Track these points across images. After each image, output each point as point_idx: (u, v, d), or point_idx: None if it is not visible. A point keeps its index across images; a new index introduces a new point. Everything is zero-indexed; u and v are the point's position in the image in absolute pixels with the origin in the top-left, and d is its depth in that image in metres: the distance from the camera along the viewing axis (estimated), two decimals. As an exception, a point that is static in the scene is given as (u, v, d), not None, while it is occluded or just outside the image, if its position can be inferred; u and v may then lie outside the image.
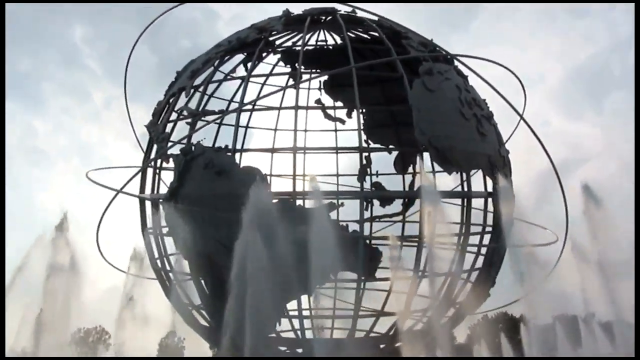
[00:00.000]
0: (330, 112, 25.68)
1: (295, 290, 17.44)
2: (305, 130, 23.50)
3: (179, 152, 18.38)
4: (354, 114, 25.94)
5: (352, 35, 21.22)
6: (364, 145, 24.29)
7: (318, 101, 25.50)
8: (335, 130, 26.47)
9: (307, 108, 23.18)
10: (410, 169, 25.34)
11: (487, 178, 19.06)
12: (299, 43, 22.06)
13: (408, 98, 18.10)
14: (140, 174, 20.93)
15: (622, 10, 77.16)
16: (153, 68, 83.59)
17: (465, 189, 19.69)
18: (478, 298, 20.29)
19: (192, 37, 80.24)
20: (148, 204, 20.64)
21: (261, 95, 21.64)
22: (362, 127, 25.50)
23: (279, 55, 22.82)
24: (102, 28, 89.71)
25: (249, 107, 19.80)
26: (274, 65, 23.61)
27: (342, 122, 26.22)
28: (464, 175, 19.90)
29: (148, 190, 20.62)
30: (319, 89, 25.20)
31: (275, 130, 25.28)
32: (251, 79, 22.21)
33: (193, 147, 18.13)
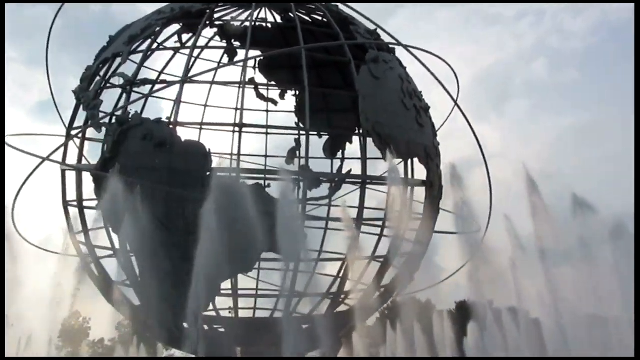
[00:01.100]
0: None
1: (232, 269, 17.17)
2: (240, 109, 23.04)
3: (113, 121, 17.42)
4: (287, 95, 26.23)
5: (301, 16, 21.06)
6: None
7: (252, 80, 25.16)
8: (267, 111, 26.32)
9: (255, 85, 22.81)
10: (339, 154, 25.81)
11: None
12: (240, 18, 21.67)
13: (355, 84, 18.14)
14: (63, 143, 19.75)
15: (528, 22, 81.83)
16: (57, 31, 78.70)
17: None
18: (403, 282, 20.89)
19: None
20: (69, 175, 19.52)
21: (208, 69, 20.96)
22: (294, 110, 26.26)
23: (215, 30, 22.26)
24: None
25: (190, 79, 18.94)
26: (210, 39, 22.98)
27: (275, 103, 26.07)
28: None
29: (69, 161, 19.50)
30: (254, 67, 24.87)
31: (205, 106, 24.70)
32: (183, 52, 21.67)
33: (130, 117, 17.25)
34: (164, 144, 16.65)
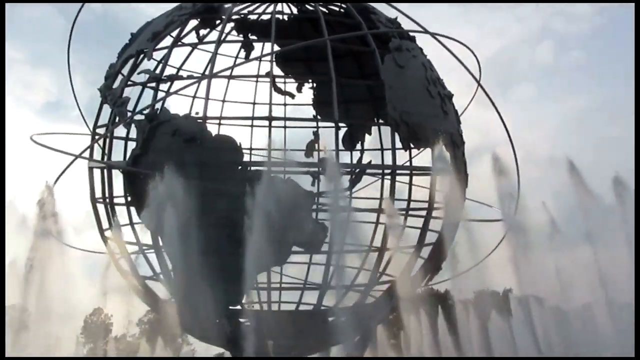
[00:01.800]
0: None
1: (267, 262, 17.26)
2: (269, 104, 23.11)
3: (142, 118, 17.45)
4: (304, 88, 26.17)
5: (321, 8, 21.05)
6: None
7: (268, 74, 25.09)
8: (285, 104, 26.24)
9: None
10: (358, 146, 25.78)
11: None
12: (258, 11, 21.63)
13: (380, 73, 18.11)
14: (90, 141, 19.84)
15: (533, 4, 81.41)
16: (61, 31, 78.59)
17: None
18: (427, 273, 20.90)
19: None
20: (96, 173, 19.57)
21: (236, 63, 20.96)
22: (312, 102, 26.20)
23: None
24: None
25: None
26: (227, 34, 22.90)
27: (292, 96, 26.02)
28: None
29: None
30: (271, 61, 24.78)
31: (223, 101, 24.66)
32: (201, 47, 21.62)
33: (158, 113, 17.28)
34: (194, 139, 16.69)
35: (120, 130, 19.04)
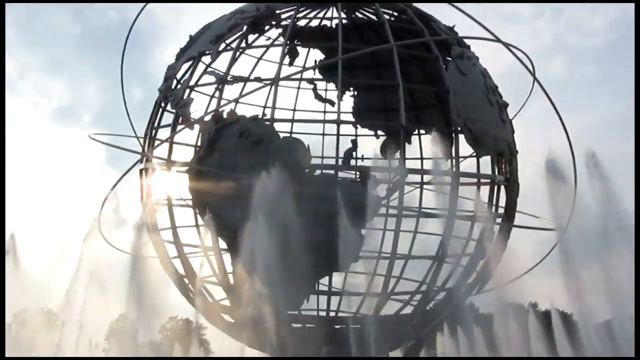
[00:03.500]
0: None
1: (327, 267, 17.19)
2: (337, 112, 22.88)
3: (209, 119, 17.44)
4: (345, 97, 26.10)
5: (369, 15, 21.14)
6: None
7: (311, 81, 25.07)
8: (325, 112, 26.13)
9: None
10: (397, 154, 25.70)
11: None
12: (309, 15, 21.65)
13: (445, 80, 18.13)
14: (146, 141, 19.83)
15: (546, 19, 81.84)
16: (75, 38, 78.83)
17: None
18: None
19: (119, 9, 76.13)
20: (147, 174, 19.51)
21: (301, 69, 21.04)
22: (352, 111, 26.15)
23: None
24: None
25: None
26: (275, 40, 22.88)
27: (332, 103, 25.94)
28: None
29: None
30: (313, 68, 24.67)
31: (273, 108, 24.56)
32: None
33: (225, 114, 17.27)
34: (261, 141, 16.67)
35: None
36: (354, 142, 25.35)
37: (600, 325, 16.70)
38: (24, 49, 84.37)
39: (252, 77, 18.62)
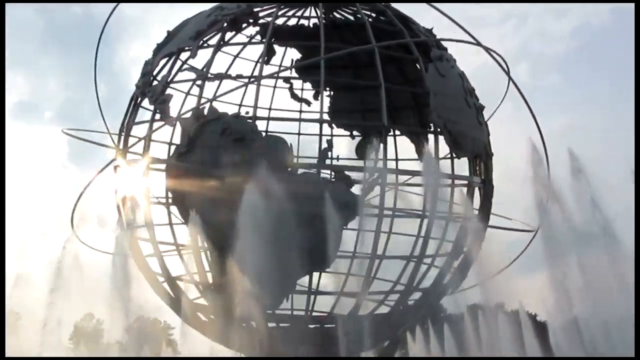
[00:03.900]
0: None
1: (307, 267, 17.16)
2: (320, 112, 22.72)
3: (189, 115, 17.21)
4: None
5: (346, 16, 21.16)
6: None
7: (287, 80, 24.98)
8: (300, 111, 26.06)
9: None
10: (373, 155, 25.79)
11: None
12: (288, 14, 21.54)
13: (425, 81, 18.29)
14: (121, 137, 19.45)
15: (512, 25, 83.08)
16: (38, 32, 76.71)
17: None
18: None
19: (83, 5, 74.21)
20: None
21: (283, 67, 21.02)
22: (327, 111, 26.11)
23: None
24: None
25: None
26: (251, 37, 22.76)
27: (308, 103, 25.89)
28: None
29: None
30: (296, 67, 24.56)
31: (240, 105, 24.41)
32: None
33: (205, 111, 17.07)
34: (243, 139, 16.53)
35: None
36: (329, 142, 25.47)
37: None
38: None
39: (231, 75, 18.28)
